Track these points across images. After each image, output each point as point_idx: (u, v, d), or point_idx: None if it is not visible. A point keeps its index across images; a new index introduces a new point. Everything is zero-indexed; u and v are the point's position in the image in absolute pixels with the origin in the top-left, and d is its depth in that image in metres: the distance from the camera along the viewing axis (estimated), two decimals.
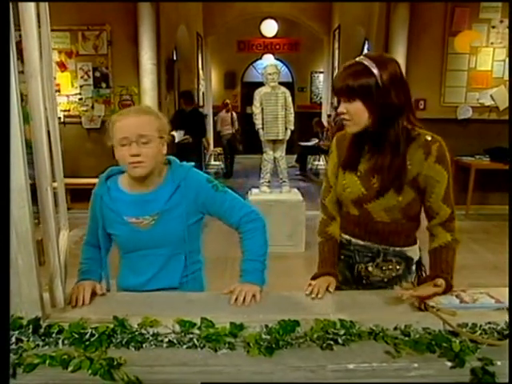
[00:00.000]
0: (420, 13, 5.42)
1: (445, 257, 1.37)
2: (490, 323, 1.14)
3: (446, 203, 1.38)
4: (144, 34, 5.50)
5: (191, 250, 1.48)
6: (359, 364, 1.02)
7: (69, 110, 5.72)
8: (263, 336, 1.06)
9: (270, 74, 4.26)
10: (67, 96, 5.71)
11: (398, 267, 1.47)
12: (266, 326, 1.09)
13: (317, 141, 9.09)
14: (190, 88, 8.03)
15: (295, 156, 9.19)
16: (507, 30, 5.41)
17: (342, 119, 1.35)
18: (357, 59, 1.33)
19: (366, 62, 1.28)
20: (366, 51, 7.41)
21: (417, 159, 1.35)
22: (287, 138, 4.48)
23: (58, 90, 5.53)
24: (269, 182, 4.59)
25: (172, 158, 1.48)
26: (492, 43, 5.50)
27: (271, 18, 10.48)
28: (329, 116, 9.60)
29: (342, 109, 1.33)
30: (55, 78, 5.41)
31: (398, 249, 1.47)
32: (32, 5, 1.05)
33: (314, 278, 1.45)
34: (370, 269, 1.48)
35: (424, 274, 1.51)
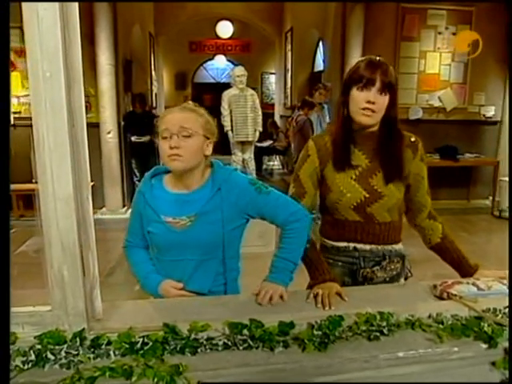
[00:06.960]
0: (374, 17, 5.68)
1: (451, 247, 1.55)
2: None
3: (428, 194, 1.55)
4: (101, 34, 5.34)
5: (228, 257, 1.43)
6: (407, 351, 1.09)
7: (20, 112, 5.41)
8: (315, 332, 1.11)
9: (238, 76, 4.30)
10: (17, 97, 5.42)
11: (397, 265, 1.57)
12: (316, 322, 1.14)
13: (271, 142, 9.23)
14: (144, 89, 7.87)
15: None
16: (452, 36, 5.82)
17: (366, 109, 1.38)
18: (373, 57, 1.42)
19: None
20: (320, 53, 7.63)
21: (406, 158, 1.47)
22: (256, 139, 4.55)
23: None
24: None
25: (215, 160, 1.46)
26: (439, 48, 5.90)
27: (227, 19, 10.50)
28: (282, 117, 9.79)
29: (372, 98, 1.37)
30: None
31: (397, 248, 1.56)
32: (76, 5, 1.02)
33: (311, 287, 1.38)
34: (376, 272, 1.54)
35: (409, 267, 1.64)
